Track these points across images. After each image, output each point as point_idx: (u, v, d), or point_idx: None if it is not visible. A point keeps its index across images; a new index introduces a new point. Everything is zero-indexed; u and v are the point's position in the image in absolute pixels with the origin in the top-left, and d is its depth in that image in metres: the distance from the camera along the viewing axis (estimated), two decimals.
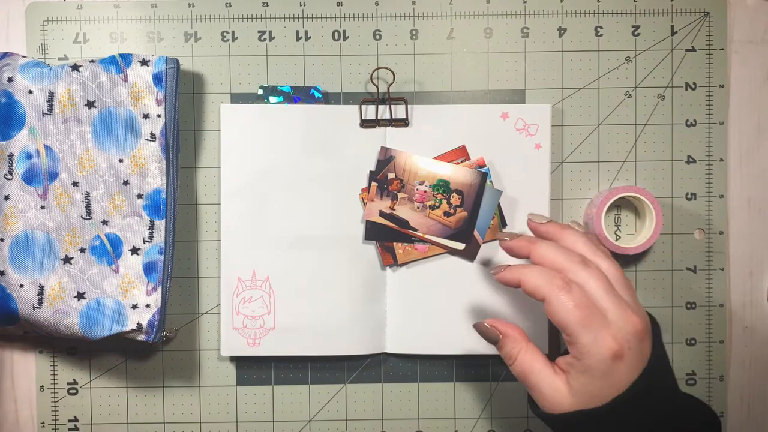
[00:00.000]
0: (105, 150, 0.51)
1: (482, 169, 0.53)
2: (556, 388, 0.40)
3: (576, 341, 0.39)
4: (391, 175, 0.52)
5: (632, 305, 0.40)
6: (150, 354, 0.55)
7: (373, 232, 0.53)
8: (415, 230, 0.52)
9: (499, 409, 0.56)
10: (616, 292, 0.40)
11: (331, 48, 0.55)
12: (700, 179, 0.56)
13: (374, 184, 0.52)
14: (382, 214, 0.52)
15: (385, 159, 0.52)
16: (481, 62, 0.55)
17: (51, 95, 0.51)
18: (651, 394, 0.39)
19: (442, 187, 0.52)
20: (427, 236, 0.52)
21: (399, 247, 0.53)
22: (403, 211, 0.52)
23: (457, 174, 0.52)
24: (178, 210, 0.54)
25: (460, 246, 0.52)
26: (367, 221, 0.53)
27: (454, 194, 0.52)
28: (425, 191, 0.52)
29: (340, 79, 0.55)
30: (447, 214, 0.52)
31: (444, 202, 0.52)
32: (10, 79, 0.50)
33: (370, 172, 0.52)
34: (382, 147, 0.52)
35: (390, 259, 0.53)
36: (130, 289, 0.51)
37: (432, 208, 0.52)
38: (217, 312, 0.55)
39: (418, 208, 0.52)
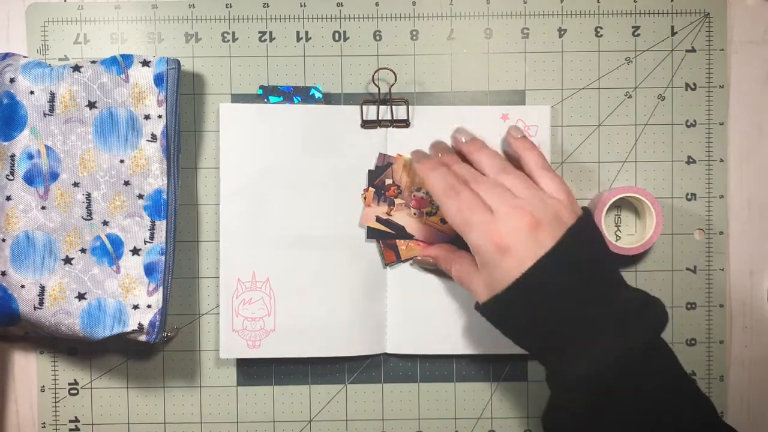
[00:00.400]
0: (106, 150, 0.51)
1: None
2: (477, 283, 0.44)
3: (467, 240, 0.43)
4: (388, 181, 0.51)
5: (530, 199, 0.43)
6: (151, 354, 0.55)
7: (375, 231, 0.53)
8: (412, 237, 0.52)
9: (499, 409, 0.56)
10: (511, 191, 0.44)
11: (332, 48, 0.55)
12: (700, 179, 0.56)
13: (371, 189, 0.52)
14: (378, 219, 0.52)
15: (383, 165, 0.52)
16: (482, 63, 0.55)
17: (52, 96, 0.51)
18: (554, 278, 0.40)
19: None
20: (422, 243, 0.53)
21: (401, 244, 0.53)
22: (400, 217, 0.52)
23: None
24: (179, 210, 0.54)
25: None
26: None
27: None
28: (422, 198, 0.52)
29: (340, 80, 0.55)
30: (443, 221, 0.52)
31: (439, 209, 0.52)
32: (12, 80, 0.51)
33: (369, 171, 0.52)
34: (380, 153, 0.52)
35: (392, 256, 0.53)
36: (131, 290, 0.51)
37: (429, 214, 0.52)
38: (216, 312, 0.55)
39: (415, 214, 0.52)
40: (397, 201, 0.52)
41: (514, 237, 0.41)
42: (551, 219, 0.42)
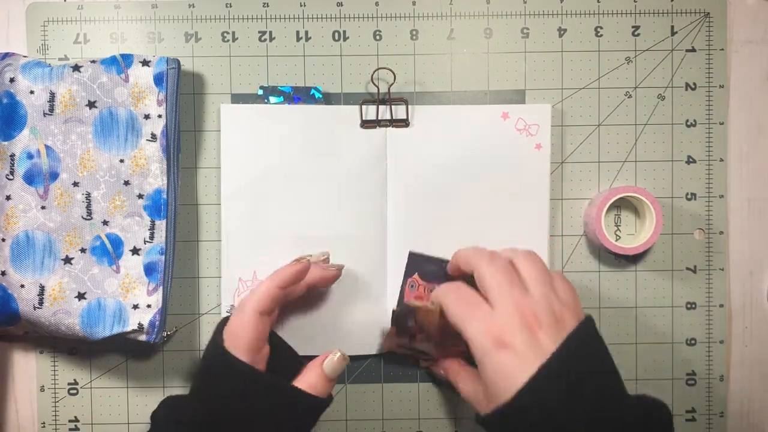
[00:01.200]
0: (106, 150, 0.51)
1: None
2: (477, 392, 0.43)
3: (465, 338, 0.40)
4: (410, 324, 0.50)
5: (535, 298, 0.40)
6: (150, 354, 0.55)
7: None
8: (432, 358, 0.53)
9: None
10: (516, 285, 0.41)
11: (332, 48, 0.55)
12: (700, 179, 0.56)
13: (393, 327, 0.52)
14: (401, 345, 0.53)
15: (406, 311, 0.50)
16: (481, 62, 0.55)
17: (52, 95, 0.51)
18: (557, 388, 0.36)
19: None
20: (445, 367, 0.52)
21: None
22: (423, 345, 0.52)
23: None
24: (179, 210, 0.54)
25: None
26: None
27: None
28: (446, 337, 0.49)
29: (340, 80, 0.55)
30: (467, 354, 0.48)
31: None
32: (12, 80, 0.51)
33: (393, 311, 0.52)
34: (404, 304, 0.52)
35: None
36: (131, 290, 0.51)
37: (453, 346, 0.51)
38: (217, 312, 0.55)
39: (438, 344, 0.52)
40: (418, 337, 0.51)
41: (514, 333, 0.38)
42: (552, 322, 0.39)
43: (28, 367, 0.55)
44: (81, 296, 0.50)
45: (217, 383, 0.44)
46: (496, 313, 0.39)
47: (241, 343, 0.43)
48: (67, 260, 0.51)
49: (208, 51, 0.55)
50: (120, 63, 0.51)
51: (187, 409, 0.44)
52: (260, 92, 0.54)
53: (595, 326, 0.41)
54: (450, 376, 0.50)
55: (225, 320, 0.46)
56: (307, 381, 0.45)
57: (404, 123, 0.54)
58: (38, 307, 0.50)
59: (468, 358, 0.49)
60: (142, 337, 0.51)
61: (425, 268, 0.52)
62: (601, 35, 0.55)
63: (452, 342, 0.50)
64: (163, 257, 0.51)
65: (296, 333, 0.53)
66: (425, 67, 0.55)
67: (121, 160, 0.51)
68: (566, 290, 0.42)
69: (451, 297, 0.42)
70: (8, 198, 0.51)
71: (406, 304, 0.50)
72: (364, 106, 0.54)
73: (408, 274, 0.53)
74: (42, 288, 0.50)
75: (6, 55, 0.52)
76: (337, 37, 0.55)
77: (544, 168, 0.54)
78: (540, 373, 0.36)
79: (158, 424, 0.45)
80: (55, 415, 0.55)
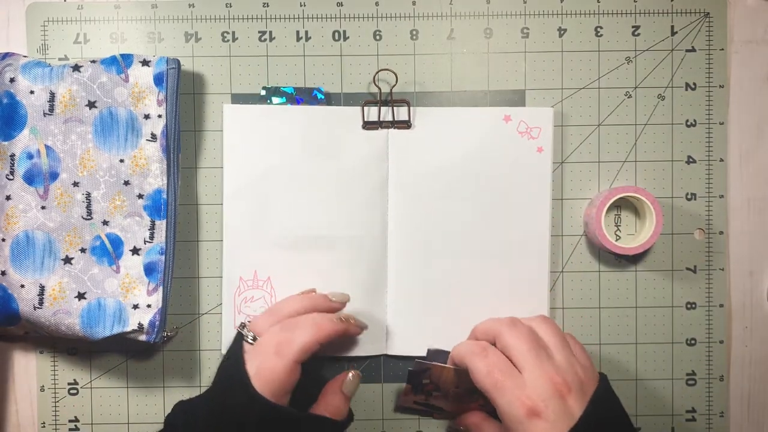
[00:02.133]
0: (106, 150, 0.51)
1: None
2: None
3: (495, 405, 0.41)
4: (425, 381, 0.50)
5: (560, 364, 0.41)
6: (151, 354, 0.55)
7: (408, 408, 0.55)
8: (451, 414, 0.53)
9: None
10: (542, 351, 0.42)
11: (332, 48, 0.55)
12: (700, 179, 0.56)
13: (408, 385, 0.51)
14: (417, 403, 0.53)
15: (420, 370, 0.50)
16: (482, 63, 0.55)
17: (52, 95, 0.51)
18: None
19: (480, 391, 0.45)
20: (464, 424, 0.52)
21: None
22: (438, 401, 0.52)
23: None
24: (179, 210, 0.54)
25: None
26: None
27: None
28: (461, 393, 0.50)
29: (340, 80, 0.55)
30: (483, 406, 0.51)
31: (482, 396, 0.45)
32: (12, 80, 0.51)
33: (409, 371, 0.50)
34: (416, 361, 0.50)
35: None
36: (131, 290, 0.51)
37: (469, 401, 0.51)
38: (217, 312, 0.55)
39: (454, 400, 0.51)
40: (435, 395, 0.52)
41: (545, 402, 0.39)
42: (579, 386, 0.41)
43: (28, 367, 0.55)
44: (81, 296, 0.50)
45: (244, 420, 0.43)
46: (527, 382, 0.40)
47: (274, 387, 0.43)
48: (67, 260, 0.51)
49: (208, 51, 0.55)
50: (120, 63, 0.51)
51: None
52: (263, 93, 0.54)
53: (609, 383, 0.44)
54: (473, 430, 0.51)
55: (240, 342, 0.47)
56: (333, 406, 0.47)
57: (406, 125, 0.54)
58: (38, 307, 0.50)
59: (487, 409, 0.51)
60: (142, 337, 0.51)
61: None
62: (601, 35, 0.55)
63: (469, 398, 0.50)
64: (163, 257, 0.51)
65: None
66: (425, 67, 0.55)
67: (121, 160, 0.51)
68: (581, 351, 0.45)
69: (479, 362, 0.42)
70: (8, 198, 0.51)
71: (420, 362, 0.50)
72: (365, 108, 0.54)
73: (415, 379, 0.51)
74: (42, 288, 0.50)
75: (6, 55, 0.52)
76: (337, 37, 0.55)
77: (545, 171, 0.54)
78: None
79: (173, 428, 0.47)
80: (55, 415, 0.55)
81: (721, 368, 0.56)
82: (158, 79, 0.51)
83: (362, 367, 0.56)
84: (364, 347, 0.54)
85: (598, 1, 0.55)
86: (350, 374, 0.49)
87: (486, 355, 0.42)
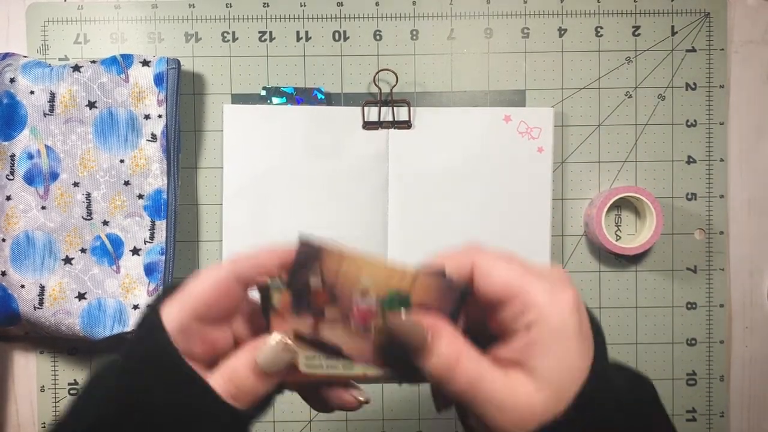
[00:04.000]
0: (106, 150, 0.51)
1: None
2: (515, 390, 0.26)
3: (528, 300, 0.27)
4: (314, 282, 0.31)
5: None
6: None
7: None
8: (352, 360, 0.30)
9: None
10: None
11: (332, 48, 0.55)
12: (701, 179, 0.56)
13: (286, 292, 0.30)
14: (300, 337, 0.30)
15: (306, 255, 0.30)
16: (482, 63, 0.55)
17: (52, 96, 0.51)
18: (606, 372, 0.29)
19: (398, 302, 0.31)
20: (368, 373, 0.30)
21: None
22: (332, 333, 0.31)
23: (423, 285, 0.30)
24: (179, 210, 0.54)
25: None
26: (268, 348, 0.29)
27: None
28: (369, 309, 0.31)
29: (340, 80, 0.55)
30: None
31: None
32: (12, 80, 0.50)
33: (297, 251, 0.30)
34: (300, 238, 0.31)
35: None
36: (131, 290, 0.51)
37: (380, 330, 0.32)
38: None
39: (357, 330, 0.31)
40: (329, 312, 0.31)
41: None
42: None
43: (29, 367, 0.55)
44: (81, 296, 0.50)
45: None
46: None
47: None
48: (68, 260, 0.51)
49: (209, 51, 0.55)
50: (120, 63, 0.51)
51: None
52: (263, 93, 0.54)
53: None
54: (472, 379, 0.27)
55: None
56: (235, 379, 0.28)
57: (406, 125, 0.54)
58: (38, 308, 0.50)
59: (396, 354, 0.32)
60: None
61: None
62: (602, 35, 0.55)
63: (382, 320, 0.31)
64: (163, 257, 0.51)
65: None
66: (425, 67, 0.55)
67: (121, 161, 0.51)
68: None
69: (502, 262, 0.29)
70: (8, 198, 0.51)
71: (308, 242, 0.31)
72: (366, 108, 0.54)
73: None
74: (42, 288, 0.50)
75: (6, 55, 0.52)
76: (337, 37, 0.55)
77: (546, 171, 0.54)
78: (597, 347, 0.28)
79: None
80: (56, 415, 0.55)
81: (721, 368, 0.56)
82: (158, 80, 0.51)
83: None
84: None
85: (599, 1, 0.55)
86: (272, 338, 0.28)
87: (510, 258, 0.29)
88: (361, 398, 0.31)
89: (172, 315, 0.28)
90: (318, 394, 0.31)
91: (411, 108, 0.54)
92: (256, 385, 0.28)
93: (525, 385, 0.26)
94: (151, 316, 0.28)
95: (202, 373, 0.28)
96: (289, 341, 0.29)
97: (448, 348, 0.27)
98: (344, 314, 0.31)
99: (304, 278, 0.31)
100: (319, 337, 0.31)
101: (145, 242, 0.51)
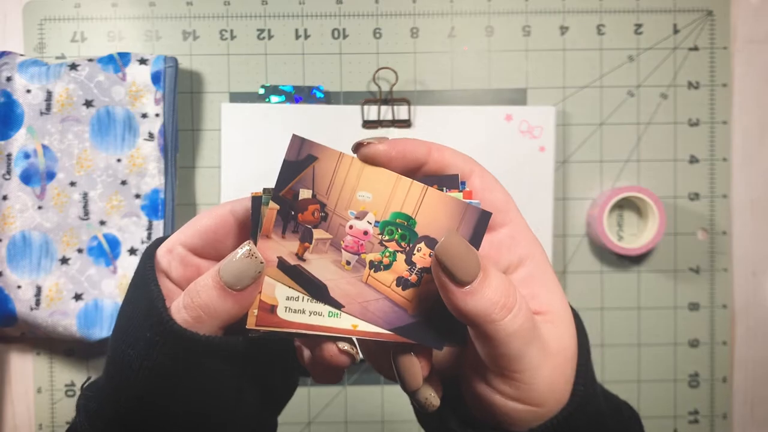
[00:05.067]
0: (103, 149, 0.51)
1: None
2: (550, 332, 0.24)
3: (518, 231, 0.26)
4: (305, 194, 0.26)
5: None
6: None
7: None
8: (339, 305, 0.25)
9: None
10: None
11: (331, 46, 0.55)
12: (703, 179, 0.55)
13: (272, 206, 0.26)
14: (282, 264, 0.25)
15: (299, 159, 0.26)
16: (483, 61, 0.55)
17: (49, 94, 0.50)
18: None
19: (401, 229, 0.25)
20: (359, 326, 0.25)
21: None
22: (319, 266, 0.26)
23: (434, 208, 0.25)
24: (176, 210, 0.53)
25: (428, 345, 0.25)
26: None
27: (422, 246, 0.25)
28: (366, 232, 0.26)
29: (340, 78, 0.55)
30: (403, 283, 0.25)
31: (400, 257, 0.25)
32: (8, 79, 0.50)
33: (284, 162, 0.26)
34: (294, 136, 0.27)
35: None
36: None
37: (375, 267, 0.25)
38: None
39: (348, 263, 0.26)
40: (318, 234, 0.26)
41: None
42: None
43: (25, 369, 0.55)
44: (78, 297, 0.50)
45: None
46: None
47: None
48: (64, 261, 0.50)
49: (206, 49, 0.55)
50: (117, 61, 0.51)
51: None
52: (262, 91, 0.54)
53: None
54: (531, 326, 0.24)
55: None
56: (192, 286, 0.25)
57: (406, 123, 0.53)
58: (35, 308, 0.50)
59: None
60: None
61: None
62: (604, 33, 0.55)
63: (378, 252, 0.26)
64: None
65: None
66: (426, 66, 0.55)
67: (119, 160, 0.51)
68: None
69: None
70: (5, 198, 0.50)
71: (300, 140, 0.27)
72: (365, 106, 0.53)
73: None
74: (39, 289, 0.50)
75: (3, 53, 0.51)
76: (336, 35, 0.55)
77: (547, 170, 0.53)
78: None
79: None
80: (52, 417, 0.55)
81: (724, 369, 0.55)
82: (156, 78, 0.51)
83: (362, 369, 0.55)
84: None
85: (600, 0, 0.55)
86: (242, 248, 0.25)
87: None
88: (350, 350, 0.25)
89: (167, 241, 0.27)
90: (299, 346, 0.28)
91: (411, 107, 0.53)
92: (213, 300, 0.24)
93: (548, 325, 0.24)
94: (152, 243, 0.28)
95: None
96: (256, 249, 0.24)
97: (503, 279, 0.23)
98: (336, 239, 0.26)
99: (295, 189, 0.25)
100: (304, 269, 0.25)
101: (142, 242, 0.51)
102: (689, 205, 0.55)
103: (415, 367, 0.24)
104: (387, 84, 0.54)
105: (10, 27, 0.54)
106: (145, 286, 0.25)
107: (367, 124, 0.53)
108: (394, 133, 0.53)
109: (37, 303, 0.50)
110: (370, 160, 0.25)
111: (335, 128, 0.53)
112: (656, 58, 0.55)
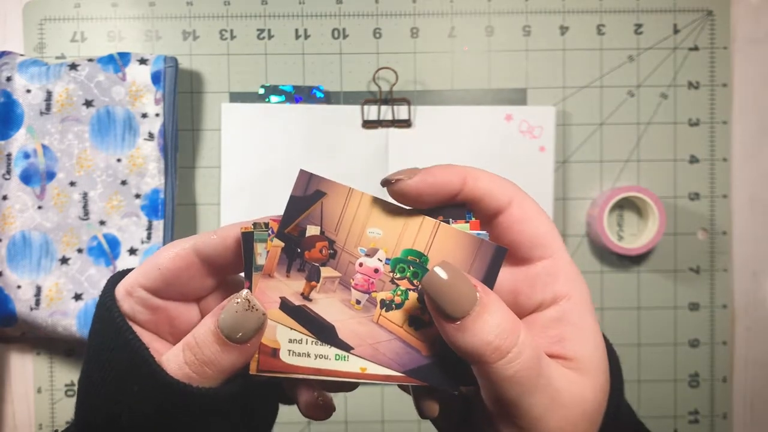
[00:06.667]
0: (103, 149, 0.51)
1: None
2: (569, 378, 0.22)
3: (559, 266, 0.24)
4: (312, 230, 0.25)
5: None
6: None
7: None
8: (348, 347, 0.24)
9: None
10: None
11: (331, 46, 0.55)
12: (703, 179, 0.55)
13: (277, 244, 0.24)
14: (285, 305, 0.24)
15: (306, 194, 0.25)
16: (483, 61, 0.55)
17: (49, 94, 0.50)
18: None
19: (413, 266, 0.25)
20: (368, 369, 0.24)
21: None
22: (327, 306, 0.24)
23: (447, 244, 0.24)
24: (176, 210, 0.53)
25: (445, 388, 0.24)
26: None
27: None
28: (376, 270, 0.25)
29: (340, 78, 0.55)
30: (416, 322, 0.24)
31: (412, 296, 0.24)
32: (8, 79, 0.50)
33: (291, 197, 0.25)
34: (301, 171, 0.26)
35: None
36: None
37: (387, 306, 0.24)
38: None
39: (358, 302, 0.24)
40: (326, 272, 0.25)
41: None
42: None
43: (25, 369, 0.55)
44: (78, 297, 0.50)
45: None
46: None
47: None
48: (64, 261, 0.50)
49: (206, 49, 0.55)
50: (117, 61, 0.51)
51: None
52: (262, 91, 0.54)
53: None
54: (535, 357, 0.22)
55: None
56: (189, 338, 0.24)
57: (406, 124, 0.53)
58: (35, 308, 0.50)
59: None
60: None
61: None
62: (604, 33, 0.55)
63: (389, 291, 0.25)
64: None
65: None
66: (426, 66, 0.55)
67: (119, 160, 0.51)
68: None
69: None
70: (5, 198, 0.50)
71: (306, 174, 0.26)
72: (365, 106, 0.53)
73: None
74: (39, 289, 0.50)
75: (3, 53, 0.51)
76: (336, 35, 0.55)
77: (547, 170, 0.53)
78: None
79: None
80: (52, 417, 0.55)
81: (724, 370, 0.55)
82: (156, 78, 0.51)
83: None
84: None
85: None
86: (239, 295, 0.23)
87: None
88: (324, 401, 0.25)
89: (124, 282, 0.25)
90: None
91: (411, 107, 0.53)
92: (218, 356, 0.23)
93: (570, 373, 0.22)
94: (108, 282, 0.26)
95: (161, 346, 0.25)
96: (254, 299, 0.23)
97: (503, 319, 0.21)
98: (345, 278, 0.24)
99: (301, 227, 0.24)
100: (310, 309, 0.24)
101: (142, 242, 0.51)
102: (689, 205, 0.55)
103: (434, 402, 0.24)
104: (387, 84, 0.54)
105: (10, 27, 0.54)
106: (118, 332, 0.24)
107: (367, 124, 0.53)
108: (394, 132, 0.53)
109: (37, 303, 0.50)
110: (400, 198, 0.24)
111: (335, 128, 0.53)
112: (656, 58, 0.55)
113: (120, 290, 0.25)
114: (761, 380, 0.55)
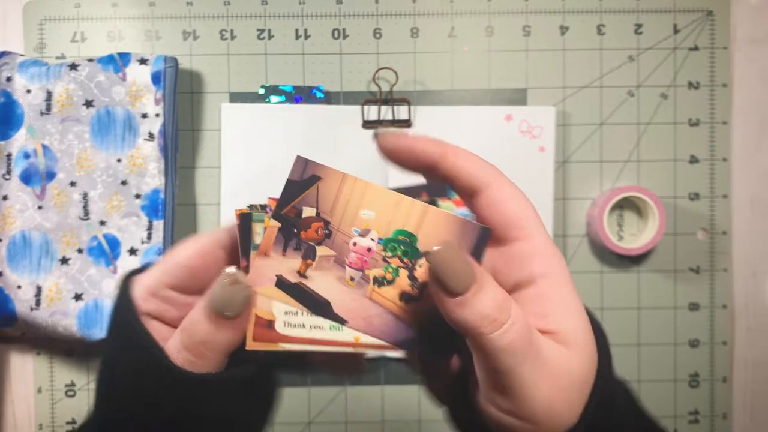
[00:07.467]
0: (103, 149, 0.51)
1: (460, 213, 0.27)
2: (559, 351, 0.23)
3: (537, 246, 0.25)
4: (308, 212, 0.26)
5: None
6: None
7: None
8: (343, 321, 0.26)
9: None
10: None
11: (331, 46, 0.55)
12: (703, 179, 0.55)
13: (272, 224, 0.26)
14: (281, 283, 0.26)
15: (302, 179, 0.26)
16: (483, 61, 0.55)
17: (49, 94, 0.50)
18: None
19: (403, 245, 0.26)
20: (362, 339, 0.26)
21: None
22: (322, 283, 0.26)
23: (435, 225, 0.26)
24: (176, 210, 0.53)
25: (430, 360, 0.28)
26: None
27: (424, 262, 0.26)
28: (369, 248, 0.27)
29: (340, 78, 0.55)
30: (406, 297, 0.26)
31: (403, 273, 0.26)
32: (8, 79, 0.50)
33: (288, 181, 0.26)
34: (298, 157, 0.26)
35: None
36: None
37: (379, 282, 0.26)
38: None
39: (352, 279, 0.26)
40: (321, 251, 0.26)
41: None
42: None
43: (25, 369, 0.55)
44: (78, 297, 0.50)
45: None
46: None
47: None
48: (64, 261, 0.50)
49: (207, 49, 0.55)
50: (117, 61, 0.51)
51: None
52: (262, 91, 0.54)
53: None
54: (526, 335, 0.23)
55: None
56: (185, 321, 0.25)
57: (406, 123, 0.53)
58: (35, 308, 0.50)
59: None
60: None
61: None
62: (604, 33, 0.55)
63: (381, 268, 0.27)
64: (160, 258, 0.51)
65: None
66: (426, 66, 0.55)
67: (119, 160, 0.51)
68: None
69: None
70: (5, 198, 0.50)
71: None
72: (365, 106, 0.53)
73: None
74: (39, 289, 0.50)
75: (3, 53, 0.51)
76: (336, 35, 0.55)
77: (547, 170, 0.53)
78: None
79: None
80: (53, 417, 0.55)
81: (724, 370, 0.55)
82: (156, 78, 0.51)
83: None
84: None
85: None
86: (225, 272, 0.24)
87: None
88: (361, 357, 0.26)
89: (142, 279, 0.26)
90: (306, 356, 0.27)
91: (411, 107, 0.53)
92: (210, 333, 0.24)
93: (556, 345, 0.23)
94: (122, 282, 0.26)
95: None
96: (241, 273, 0.24)
97: (497, 294, 0.23)
98: (339, 256, 0.26)
99: (298, 208, 0.25)
100: (306, 286, 0.26)
101: (142, 242, 0.51)
102: (689, 205, 0.55)
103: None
104: (387, 84, 0.54)
105: (10, 27, 0.54)
106: (132, 333, 0.25)
107: (367, 124, 0.53)
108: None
109: (37, 303, 0.50)
110: (383, 151, 0.27)
111: (335, 128, 0.53)
112: (656, 58, 0.55)
113: (140, 292, 0.26)
114: (761, 380, 0.55)
